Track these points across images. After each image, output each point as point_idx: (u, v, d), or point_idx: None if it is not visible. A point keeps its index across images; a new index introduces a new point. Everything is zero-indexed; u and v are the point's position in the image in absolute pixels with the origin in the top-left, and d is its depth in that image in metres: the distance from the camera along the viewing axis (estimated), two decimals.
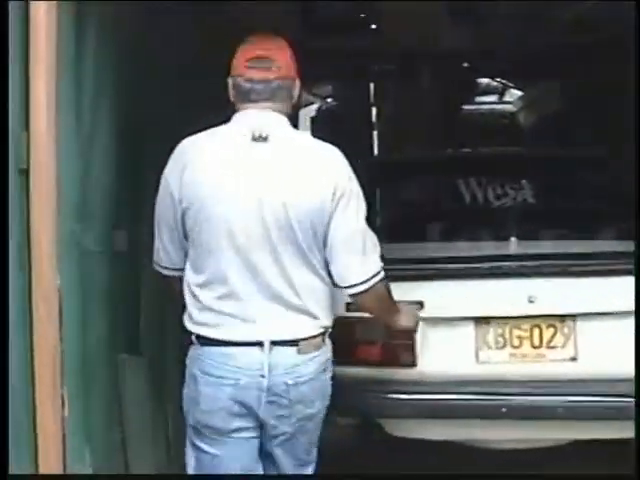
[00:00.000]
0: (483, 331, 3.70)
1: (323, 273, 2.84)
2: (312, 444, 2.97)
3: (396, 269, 3.65)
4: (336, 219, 2.77)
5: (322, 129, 9.72)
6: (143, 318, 3.67)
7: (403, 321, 3.23)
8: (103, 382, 3.21)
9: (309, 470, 2.98)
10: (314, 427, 2.93)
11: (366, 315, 3.64)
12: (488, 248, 3.96)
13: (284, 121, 2.87)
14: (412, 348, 3.68)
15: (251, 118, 2.84)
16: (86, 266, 3.06)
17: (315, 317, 2.81)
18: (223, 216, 2.75)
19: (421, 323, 3.65)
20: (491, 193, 4.68)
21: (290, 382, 2.78)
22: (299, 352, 2.78)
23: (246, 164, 2.77)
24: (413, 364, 3.69)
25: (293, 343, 2.78)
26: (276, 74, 2.83)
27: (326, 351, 2.89)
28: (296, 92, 2.94)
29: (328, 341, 2.91)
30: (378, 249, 2.91)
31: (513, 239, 4.09)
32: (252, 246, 2.74)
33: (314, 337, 2.82)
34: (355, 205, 2.82)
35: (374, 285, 2.88)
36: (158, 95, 3.75)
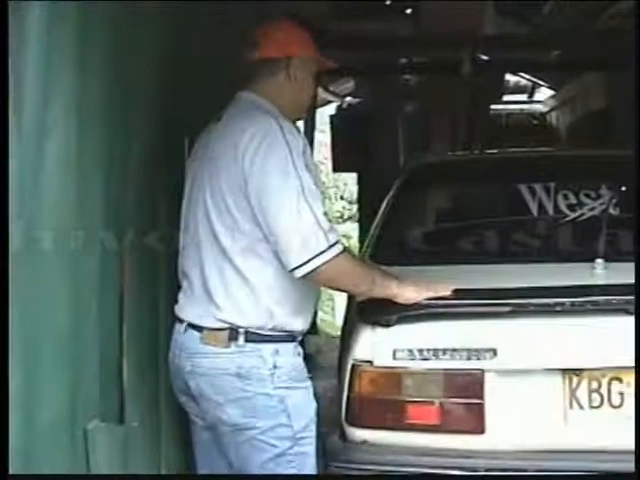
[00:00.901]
0: (573, 385, 2.83)
1: (242, 263, 2.66)
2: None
3: (456, 304, 2.83)
4: (253, 197, 2.62)
5: (343, 130, 9.21)
6: (127, 369, 2.82)
7: (407, 293, 2.75)
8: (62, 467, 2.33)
9: None
10: (247, 447, 2.65)
11: (419, 367, 2.83)
12: (574, 274, 3.05)
13: (249, 99, 2.79)
14: (480, 409, 2.82)
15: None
16: (43, 293, 2.26)
17: (218, 308, 2.69)
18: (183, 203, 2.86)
19: (492, 375, 2.82)
20: (562, 202, 3.77)
21: (189, 367, 2.73)
22: (201, 340, 2.71)
23: (198, 150, 2.84)
24: (481, 430, 2.83)
25: (198, 329, 2.72)
26: (253, 56, 2.81)
27: (241, 355, 2.66)
28: (282, 70, 2.79)
29: (254, 347, 2.66)
30: (323, 224, 2.58)
31: (599, 261, 3.17)
32: (188, 229, 2.80)
33: (217, 330, 2.69)
34: (278, 181, 2.59)
35: (322, 264, 2.58)
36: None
